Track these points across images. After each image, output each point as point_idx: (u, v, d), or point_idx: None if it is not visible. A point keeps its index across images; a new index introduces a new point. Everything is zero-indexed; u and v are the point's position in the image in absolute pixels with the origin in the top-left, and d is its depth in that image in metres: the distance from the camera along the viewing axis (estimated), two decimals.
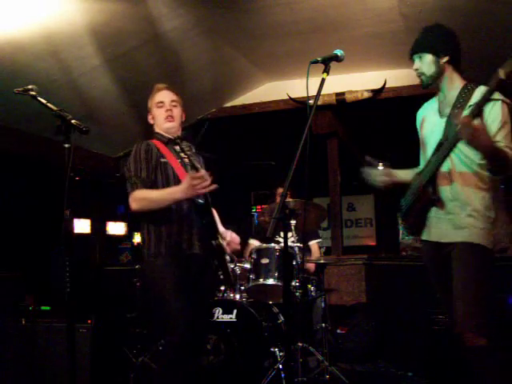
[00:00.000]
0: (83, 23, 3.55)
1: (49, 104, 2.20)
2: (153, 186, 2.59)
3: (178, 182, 2.59)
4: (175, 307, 2.45)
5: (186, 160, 2.64)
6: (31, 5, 3.23)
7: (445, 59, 2.37)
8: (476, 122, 2.19)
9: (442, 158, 2.31)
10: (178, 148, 2.59)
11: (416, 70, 2.43)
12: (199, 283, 2.65)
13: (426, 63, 2.39)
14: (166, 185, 2.61)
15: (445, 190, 2.34)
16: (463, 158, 2.30)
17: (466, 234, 2.29)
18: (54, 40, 3.63)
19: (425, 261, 2.55)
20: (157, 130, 2.80)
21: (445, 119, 2.37)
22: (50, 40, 3.61)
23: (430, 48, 2.38)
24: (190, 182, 2.41)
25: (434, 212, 2.41)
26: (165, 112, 2.75)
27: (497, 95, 2.27)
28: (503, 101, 2.26)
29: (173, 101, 2.78)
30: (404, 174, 2.62)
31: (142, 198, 2.55)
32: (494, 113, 2.24)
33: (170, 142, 2.74)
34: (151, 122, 2.83)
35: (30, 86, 2.25)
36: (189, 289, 2.54)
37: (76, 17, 3.45)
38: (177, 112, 2.79)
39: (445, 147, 2.30)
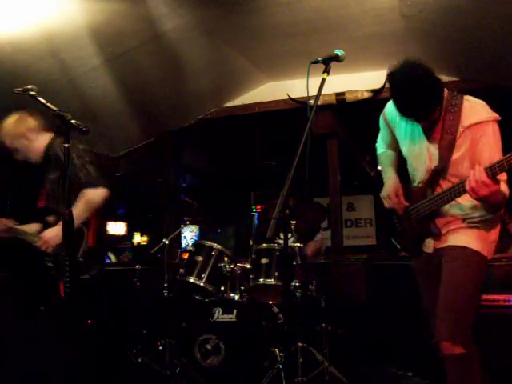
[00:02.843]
0: (83, 23, 3.55)
1: (49, 104, 2.20)
2: None
3: None
4: None
5: None
6: (31, 5, 3.22)
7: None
8: (465, 144, 2.16)
9: (445, 202, 2.23)
10: None
11: (427, 125, 2.29)
12: None
13: (435, 114, 2.24)
14: None
15: (448, 212, 2.32)
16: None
17: (459, 237, 2.27)
18: (55, 40, 3.63)
19: (417, 273, 2.54)
20: None
21: (436, 144, 2.28)
22: (50, 40, 3.61)
23: (438, 102, 2.21)
24: None
25: None
26: None
27: (486, 115, 2.18)
28: (494, 121, 2.17)
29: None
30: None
31: None
32: (486, 136, 2.15)
33: None
34: None
35: (29, 86, 2.26)
36: None
37: (76, 17, 3.45)
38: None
39: (449, 193, 2.18)
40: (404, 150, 2.47)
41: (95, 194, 2.89)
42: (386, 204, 2.51)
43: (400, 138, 2.48)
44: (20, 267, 3.12)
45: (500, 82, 4.49)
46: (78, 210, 2.80)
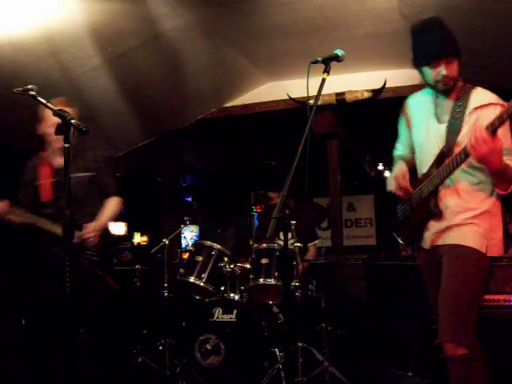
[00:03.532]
0: (83, 23, 3.55)
1: (49, 104, 2.20)
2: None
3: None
4: None
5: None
6: (32, 5, 3.23)
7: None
8: (470, 123, 2.18)
9: (448, 173, 2.22)
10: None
11: (446, 76, 2.25)
12: None
13: (455, 68, 2.27)
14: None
15: (445, 201, 2.31)
16: (467, 171, 2.25)
17: (456, 235, 2.26)
18: (55, 40, 3.63)
19: (422, 269, 2.52)
20: None
21: (445, 125, 2.31)
22: (50, 40, 3.61)
23: (459, 52, 2.27)
24: None
25: (431, 222, 2.38)
26: None
27: (495, 99, 2.23)
28: (502, 105, 2.19)
29: None
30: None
31: None
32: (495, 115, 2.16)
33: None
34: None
35: (29, 86, 2.25)
36: None
37: (76, 17, 3.45)
38: None
39: (452, 163, 2.19)
40: (417, 137, 2.48)
41: (121, 202, 3.27)
42: (392, 187, 2.49)
43: (415, 127, 2.50)
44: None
45: (501, 83, 4.49)
46: (112, 213, 3.17)
